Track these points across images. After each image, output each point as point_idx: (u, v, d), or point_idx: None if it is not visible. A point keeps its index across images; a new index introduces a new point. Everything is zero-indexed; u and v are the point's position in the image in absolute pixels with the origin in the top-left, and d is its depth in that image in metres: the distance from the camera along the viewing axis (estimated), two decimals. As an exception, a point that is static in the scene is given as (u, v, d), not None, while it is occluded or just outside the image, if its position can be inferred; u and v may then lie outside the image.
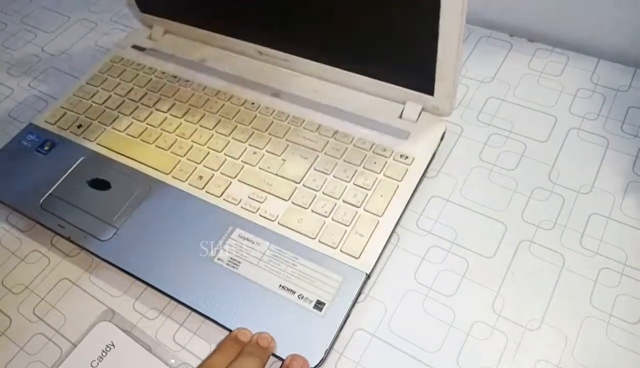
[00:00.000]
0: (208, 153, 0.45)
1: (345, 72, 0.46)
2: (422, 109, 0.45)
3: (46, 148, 0.47)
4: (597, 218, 0.41)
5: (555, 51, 0.51)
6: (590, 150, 0.45)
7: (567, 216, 0.41)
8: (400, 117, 0.45)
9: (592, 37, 0.52)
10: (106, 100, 0.50)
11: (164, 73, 0.52)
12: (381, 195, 0.40)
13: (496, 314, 0.37)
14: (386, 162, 0.42)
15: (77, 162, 0.45)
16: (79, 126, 0.48)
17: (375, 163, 0.42)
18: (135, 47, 0.55)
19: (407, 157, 0.42)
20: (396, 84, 0.44)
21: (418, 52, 0.41)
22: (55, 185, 0.44)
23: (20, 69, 0.59)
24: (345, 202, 0.40)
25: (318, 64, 0.47)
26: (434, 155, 0.43)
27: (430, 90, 0.43)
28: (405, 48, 0.42)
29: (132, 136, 0.47)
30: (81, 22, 0.64)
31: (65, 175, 0.45)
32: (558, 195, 0.42)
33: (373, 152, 0.43)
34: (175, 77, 0.51)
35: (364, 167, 0.42)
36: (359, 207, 0.40)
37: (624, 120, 0.46)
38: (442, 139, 0.44)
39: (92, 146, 0.47)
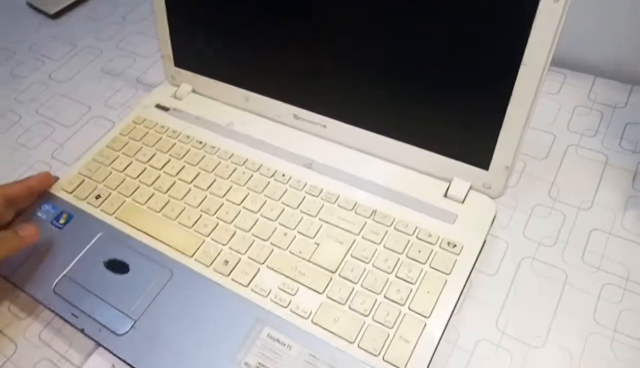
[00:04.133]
0: (235, 232, 0.41)
1: (385, 139, 0.43)
2: (470, 187, 0.41)
3: (62, 221, 0.43)
4: (598, 234, 0.41)
5: (552, 69, 0.51)
6: (589, 166, 0.45)
7: (569, 232, 0.41)
8: (446, 195, 0.41)
9: (588, 55, 0.53)
10: (127, 166, 0.47)
11: (188, 137, 0.48)
12: (428, 292, 0.36)
13: (500, 332, 0.37)
14: (432, 251, 0.38)
15: (95, 239, 0.42)
16: (97, 196, 0.45)
17: (419, 251, 0.38)
18: (159, 106, 0.52)
19: (455, 245, 0.38)
20: (445, 155, 0.41)
21: (480, 116, 0.38)
22: (70, 265, 0.41)
23: (28, 96, 0.58)
24: (387, 299, 0.36)
25: (357, 129, 0.44)
26: (484, 242, 0.39)
27: (485, 164, 0.39)
28: (467, 111, 0.38)
29: (153, 210, 0.43)
30: (88, 49, 0.63)
31: (81, 254, 0.41)
32: (559, 212, 0.42)
33: (417, 237, 0.39)
34: (201, 142, 0.48)
35: (407, 256, 0.38)
36: (402, 305, 0.36)
37: (622, 137, 0.47)
38: (492, 223, 0.40)
39: (111, 220, 0.43)
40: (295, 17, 0.42)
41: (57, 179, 0.46)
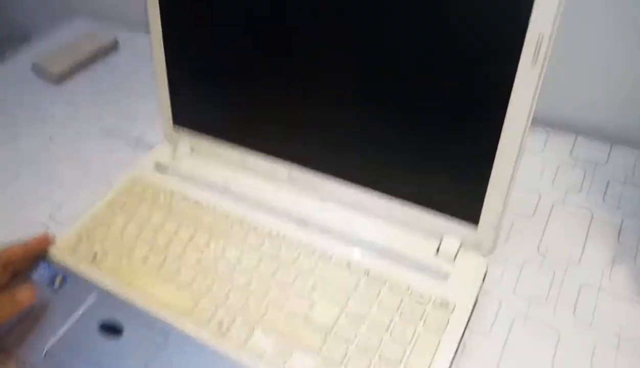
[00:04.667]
0: (229, 291, 0.42)
1: (379, 196, 0.44)
2: (461, 245, 0.42)
3: (57, 283, 0.44)
4: (588, 289, 0.42)
5: (536, 129, 0.54)
6: (575, 222, 0.46)
7: (559, 288, 0.42)
8: (437, 253, 0.42)
9: (570, 114, 0.56)
10: (124, 226, 0.48)
11: (185, 196, 0.50)
12: (422, 351, 0.36)
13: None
14: (425, 310, 0.39)
15: (89, 301, 0.42)
16: (94, 257, 0.45)
17: (412, 311, 0.39)
18: (157, 166, 0.53)
19: (447, 304, 0.39)
20: (435, 213, 0.42)
21: (467, 173, 0.39)
22: (63, 329, 0.40)
23: (28, 157, 0.60)
24: (382, 359, 0.36)
25: (348, 186, 0.45)
26: (476, 300, 0.40)
27: (474, 221, 0.40)
28: (453, 169, 0.40)
29: (149, 269, 0.44)
30: (88, 111, 0.66)
31: (75, 317, 0.41)
32: (548, 268, 0.43)
33: (409, 295, 0.40)
34: (198, 201, 0.49)
35: (400, 315, 0.39)
36: (398, 365, 0.36)
37: (605, 193, 0.48)
38: (483, 280, 0.41)
39: (107, 280, 0.43)
40: (289, 80, 0.44)
41: (54, 239, 0.47)
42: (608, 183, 0.49)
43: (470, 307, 0.39)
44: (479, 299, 0.40)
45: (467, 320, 0.38)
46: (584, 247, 0.44)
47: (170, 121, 0.54)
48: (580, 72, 0.54)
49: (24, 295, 0.39)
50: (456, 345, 0.37)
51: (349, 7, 0.38)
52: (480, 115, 0.37)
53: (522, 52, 0.33)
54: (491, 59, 0.35)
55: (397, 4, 0.36)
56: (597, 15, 0.50)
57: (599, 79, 0.53)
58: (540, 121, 0.54)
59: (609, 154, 0.52)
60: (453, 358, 0.36)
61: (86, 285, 0.43)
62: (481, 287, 0.40)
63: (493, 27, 0.34)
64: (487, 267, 0.41)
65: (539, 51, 0.33)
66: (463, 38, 0.35)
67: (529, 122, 0.36)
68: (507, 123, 0.36)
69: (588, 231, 0.46)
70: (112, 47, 0.77)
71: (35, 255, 0.45)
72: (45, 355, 0.39)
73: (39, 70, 0.73)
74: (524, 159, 0.50)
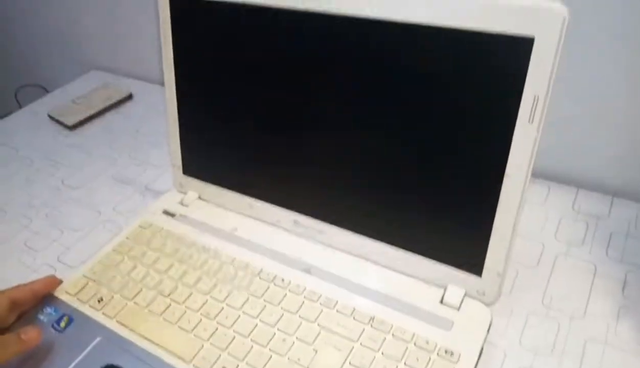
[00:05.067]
0: (234, 338, 0.41)
1: (382, 245, 0.45)
2: (465, 294, 0.42)
3: (62, 324, 0.44)
4: (594, 344, 0.41)
5: (537, 181, 0.55)
6: (579, 275, 0.46)
7: (564, 342, 0.41)
8: (442, 302, 0.42)
9: (571, 168, 0.57)
10: (131, 270, 0.48)
11: (193, 242, 0.50)
12: (427, 402, 0.36)
13: None
14: (430, 358, 0.38)
15: (93, 343, 0.42)
16: (100, 299, 0.46)
17: (417, 359, 0.38)
18: (166, 212, 0.54)
19: (452, 353, 0.38)
20: (439, 262, 0.43)
21: (470, 224, 0.40)
22: (67, 371, 0.40)
23: (41, 200, 0.61)
24: (386, 409, 0.36)
25: (355, 235, 0.46)
26: (481, 350, 0.39)
27: (478, 270, 0.41)
28: (457, 221, 0.41)
29: (154, 313, 0.44)
30: (101, 158, 0.67)
31: (78, 359, 0.41)
32: (553, 320, 0.43)
33: (414, 344, 0.39)
34: (204, 247, 0.50)
35: (405, 364, 0.38)
36: (402, 417, 0.35)
37: (608, 246, 0.49)
38: (488, 330, 0.41)
39: (111, 324, 0.44)
40: (294, 132, 0.46)
41: (61, 281, 0.47)
42: (610, 236, 0.50)
43: (476, 357, 0.38)
44: (484, 349, 0.40)
45: (472, 370, 0.38)
46: (588, 299, 0.44)
47: (180, 170, 0.56)
48: (579, 127, 0.56)
49: (30, 335, 0.39)
50: (462, 397, 0.36)
51: (355, 74, 0.41)
52: (481, 170, 0.38)
53: (519, 112, 0.35)
54: (490, 119, 0.37)
55: (403, 71, 0.39)
56: (595, 72, 0.52)
57: (598, 134, 0.55)
58: (541, 175, 0.56)
59: (610, 207, 0.53)
60: (458, 410, 0.36)
61: (91, 328, 0.43)
62: (486, 337, 0.40)
63: (491, 91, 0.36)
64: (492, 317, 0.41)
65: (534, 111, 0.35)
66: (464, 101, 0.37)
67: (529, 176, 0.37)
68: (507, 177, 0.37)
69: (592, 284, 0.46)
70: (127, 98, 0.80)
71: (42, 297, 0.45)
72: (46, 398, 0.39)
73: (54, 119, 0.76)
74: (527, 211, 0.52)
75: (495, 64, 0.35)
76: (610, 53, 0.50)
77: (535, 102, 0.34)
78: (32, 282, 0.45)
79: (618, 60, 0.50)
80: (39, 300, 0.45)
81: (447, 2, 0.35)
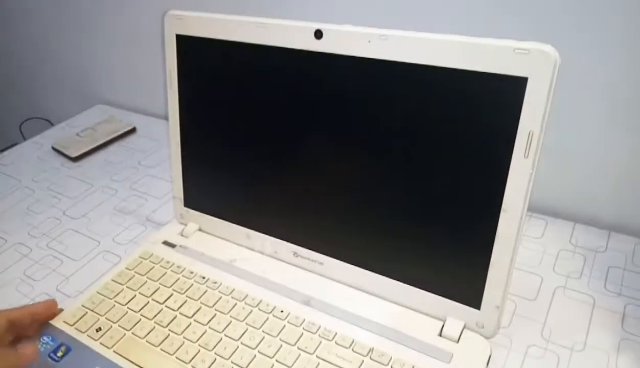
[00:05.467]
0: (232, 369, 0.41)
1: (381, 277, 0.45)
2: (465, 327, 0.42)
3: (59, 354, 0.43)
4: None
5: (534, 216, 0.57)
6: (578, 308, 0.47)
7: None
8: (441, 334, 0.42)
9: (567, 203, 0.58)
10: (130, 300, 0.48)
11: (192, 272, 0.50)
12: None
13: None
14: (429, 391, 0.38)
15: (90, 374, 0.42)
16: (98, 329, 0.46)
17: (417, 392, 0.38)
18: (166, 243, 0.55)
19: (452, 386, 0.38)
20: (438, 294, 0.43)
21: (468, 258, 0.40)
22: (62, 402, 0.40)
23: (41, 230, 0.61)
24: None
25: (353, 268, 0.46)
26: (481, 383, 0.39)
27: (476, 303, 0.41)
28: (455, 255, 0.41)
29: (152, 344, 0.44)
30: (103, 189, 0.68)
31: (74, 389, 0.41)
32: (552, 353, 0.43)
33: (413, 376, 0.39)
34: (204, 277, 0.50)
35: (404, 396, 0.38)
36: None
37: (606, 279, 0.49)
38: (488, 363, 0.41)
39: (109, 354, 0.43)
40: (293, 166, 0.47)
41: (62, 310, 0.47)
42: (608, 270, 0.50)
43: (475, 390, 0.38)
44: (483, 383, 0.40)
45: (472, 403, 0.37)
46: (587, 332, 0.44)
47: (182, 202, 0.56)
48: (575, 163, 0.57)
49: (27, 350, 0.40)
50: (461, 430, 0.36)
51: (353, 111, 0.42)
52: (478, 205, 0.39)
53: (514, 147, 0.36)
54: (487, 154, 0.38)
55: (401, 109, 0.40)
56: (590, 109, 0.54)
57: (594, 170, 0.56)
58: (537, 209, 0.57)
59: (607, 241, 0.53)
60: None
61: (89, 357, 0.43)
62: (485, 370, 0.40)
63: (488, 127, 0.37)
64: (491, 350, 0.41)
65: (529, 146, 0.36)
66: (461, 137, 0.39)
67: (525, 210, 0.37)
68: (504, 211, 0.38)
69: (591, 317, 0.46)
70: (130, 132, 0.82)
71: (41, 321, 0.45)
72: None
73: (58, 151, 0.77)
74: (525, 244, 0.52)
75: (491, 102, 0.37)
76: (605, 90, 0.52)
77: (530, 138, 0.36)
78: (32, 305, 0.45)
79: (614, 97, 0.52)
80: (38, 324, 0.45)
81: (445, 44, 0.37)
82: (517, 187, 0.37)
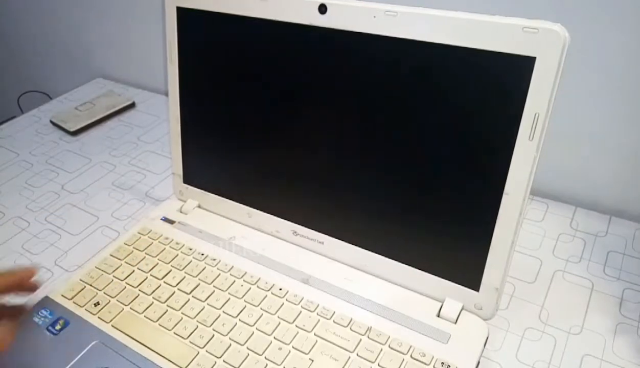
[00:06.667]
0: (230, 345, 0.41)
1: (380, 258, 0.45)
2: (463, 308, 0.42)
3: (58, 327, 0.44)
4: (591, 359, 0.41)
5: (536, 199, 0.56)
6: (576, 291, 0.47)
7: (560, 357, 0.41)
8: (439, 315, 0.42)
9: (569, 187, 0.58)
10: (128, 275, 0.48)
11: (191, 249, 0.50)
12: (422, 414, 0.36)
13: None
14: (426, 371, 0.38)
15: (88, 347, 0.42)
16: (96, 304, 0.46)
17: (414, 371, 0.38)
18: (165, 219, 0.55)
19: (448, 366, 0.38)
20: (437, 275, 0.43)
21: (468, 239, 0.40)
22: (60, 374, 0.40)
23: (39, 204, 0.61)
24: (382, 420, 0.36)
25: (353, 247, 0.46)
26: (478, 364, 0.39)
27: (475, 285, 0.41)
28: (455, 236, 0.41)
29: (150, 319, 0.44)
30: (101, 163, 0.68)
31: (73, 362, 0.41)
32: (549, 336, 0.43)
33: (411, 356, 0.39)
34: (203, 254, 0.50)
35: (401, 376, 0.38)
36: (397, 428, 0.35)
37: (605, 264, 0.49)
38: (485, 344, 0.41)
39: (107, 328, 0.43)
40: (294, 144, 0.47)
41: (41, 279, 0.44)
42: (608, 254, 0.50)
43: (472, 371, 0.38)
44: (480, 363, 0.40)
45: (468, 383, 0.38)
46: (585, 316, 0.45)
47: (181, 178, 0.56)
48: (577, 147, 0.56)
49: (3, 335, 0.36)
50: (457, 409, 0.36)
51: (356, 89, 0.41)
52: (481, 186, 0.39)
53: (519, 129, 0.36)
54: (491, 135, 0.37)
55: (405, 88, 0.39)
56: (594, 94, 0.53)
57: (596, 155, 0.56)
58: (540, 193, 0.56)
59: (608, 226, 0.53)
60: (454, 423, 0.36)
61: (87, 331, 0.43)
62: (483, 351, 0.40)
63: (493, 108, 0.37)
64: (489, 332, 0.41)
65: (535, 128, 0.35)
66: (465, 117, 0.38)
67: (528, 192, 0.37)
68: (506, 194, 0.38)
69: (589, 301, 0.46)
70: (129, 106, 0.81)
71: (20, 285, 0.41)
72: (39, 401, 0.39)
73: (56, 125, 0.76)
74: (526, 227, 0.52)
75: (498, 82, 0.36)
76: (610, 74, 0.51)
77: (535, 120, 0.35)
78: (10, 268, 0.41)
79: (618, 81, 0.51)
80: (17, 287, 0.40)
81: (451, 21, 0.36)
82: (521, 170, 0.37)
